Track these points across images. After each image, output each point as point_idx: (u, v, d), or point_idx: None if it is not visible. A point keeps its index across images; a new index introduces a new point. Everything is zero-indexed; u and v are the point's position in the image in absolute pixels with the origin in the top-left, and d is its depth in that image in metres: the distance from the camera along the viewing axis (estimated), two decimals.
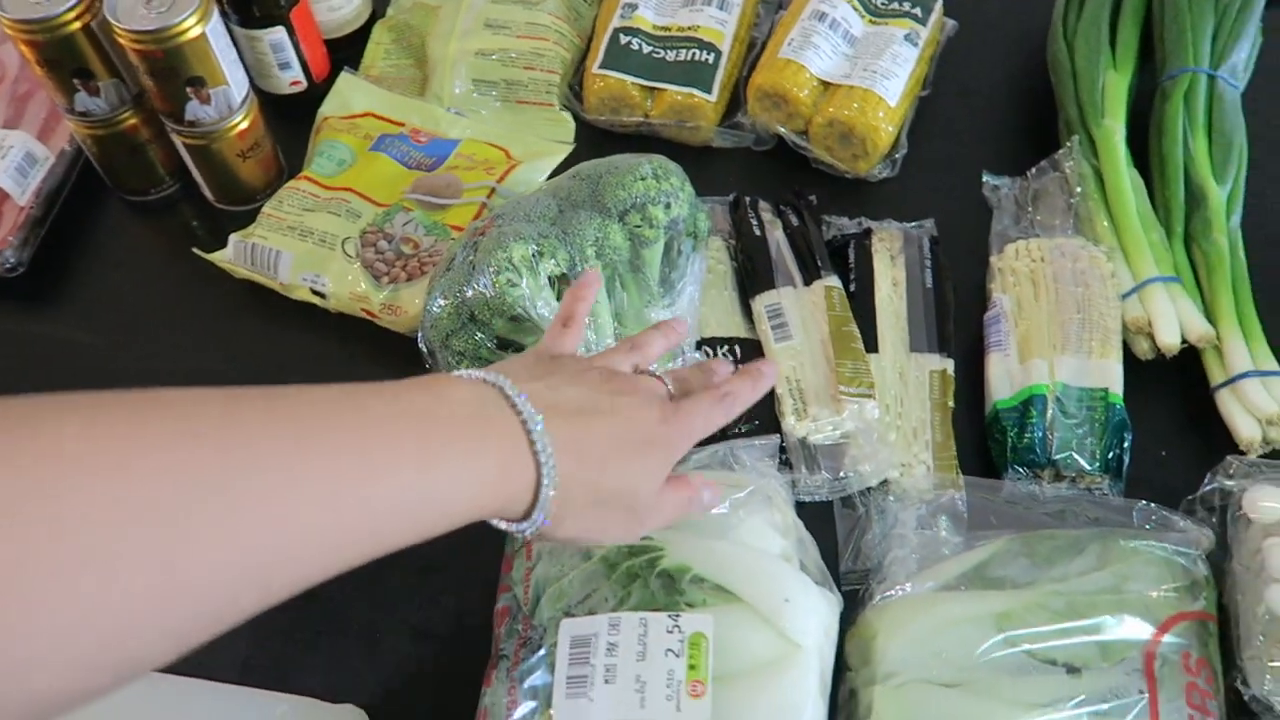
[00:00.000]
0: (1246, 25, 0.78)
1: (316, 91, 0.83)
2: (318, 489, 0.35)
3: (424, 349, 0.66)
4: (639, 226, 0.65)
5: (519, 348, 0.63)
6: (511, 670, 0.53)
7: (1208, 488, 0.60)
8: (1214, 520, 0.60)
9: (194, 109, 0.71)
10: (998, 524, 0.61)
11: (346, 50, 0.87)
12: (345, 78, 0.83)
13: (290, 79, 0.82)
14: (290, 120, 0.84)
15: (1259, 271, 0.72)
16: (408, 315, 0.70)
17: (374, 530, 0.38)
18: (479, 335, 0.62)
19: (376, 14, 0.90)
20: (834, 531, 0.64)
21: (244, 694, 0.58)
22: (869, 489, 0.64)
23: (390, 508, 0.38)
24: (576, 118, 0.83)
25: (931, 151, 0.83)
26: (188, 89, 0.70)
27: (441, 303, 0.62)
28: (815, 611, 0.51)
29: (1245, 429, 0.65)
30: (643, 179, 0.65)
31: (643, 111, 0.81)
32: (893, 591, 0.58)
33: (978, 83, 0.88)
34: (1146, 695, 0.52)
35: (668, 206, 0.65)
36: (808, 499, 0.63)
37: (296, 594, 0.36)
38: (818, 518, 0.64)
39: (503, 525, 0.45)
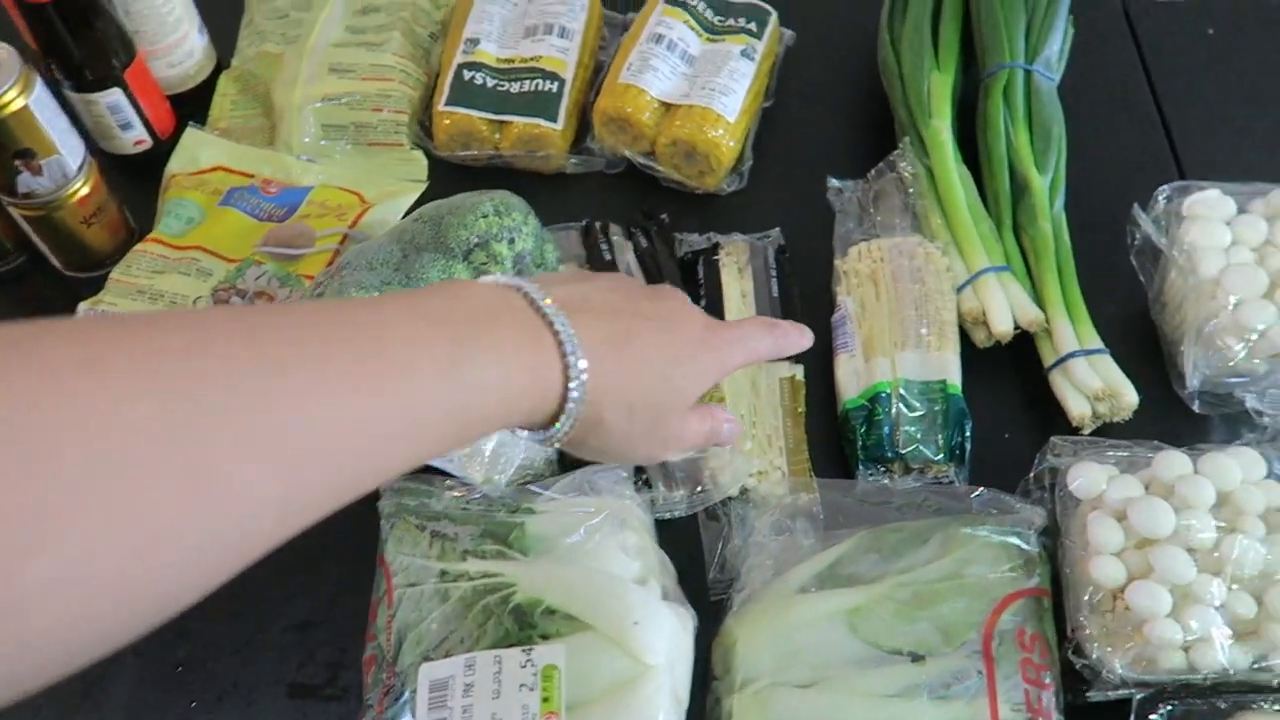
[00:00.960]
0: (1056, 19, 0.82)
1: (163, 148, 0.83)
2: (337, 399, 0.33)
3: None
4: (484, 264, 0.66)
5: None
6: None
7: (1038, 468, 0.64)
8: (1047, 499, 0.63)
9: (26, 181, 0.70)
10: (851, 522, 0.64)
11: (192, 104, 0.87)
12: (191, 133, 0.82)
13: (134, 139, 0.81)
14: (140, 179, 0.82)
15: (1083, 253, 0.75)
16: None
17: (393, 438, 0.36)
18: None
19: (222, 64, 0.89)
20: (700, 543, 0.66)
21: None
22: (729, 498, 0.67)
23: (411, 414, 0.36)
24: (429, 155, 0.84)
25: (780, 160, 0.86)
26: (16, 162, 0.69)
27: None
28: (664, 630, 0.53)
29: (1076, 406, 0.69)
30: (484, 216, 0.66)
31: (492, 145, 0.82)
32: (750, 598, 0.60)
33: (820, 90, 0.91)
34: (984, 674, 0.55)
35: (511, 242, 0.67)
36: (668, 515, 0.65)
37: (323, 516, 0.35)
38: (684, 531, 0.66)
39: (526, 435, 0.44)
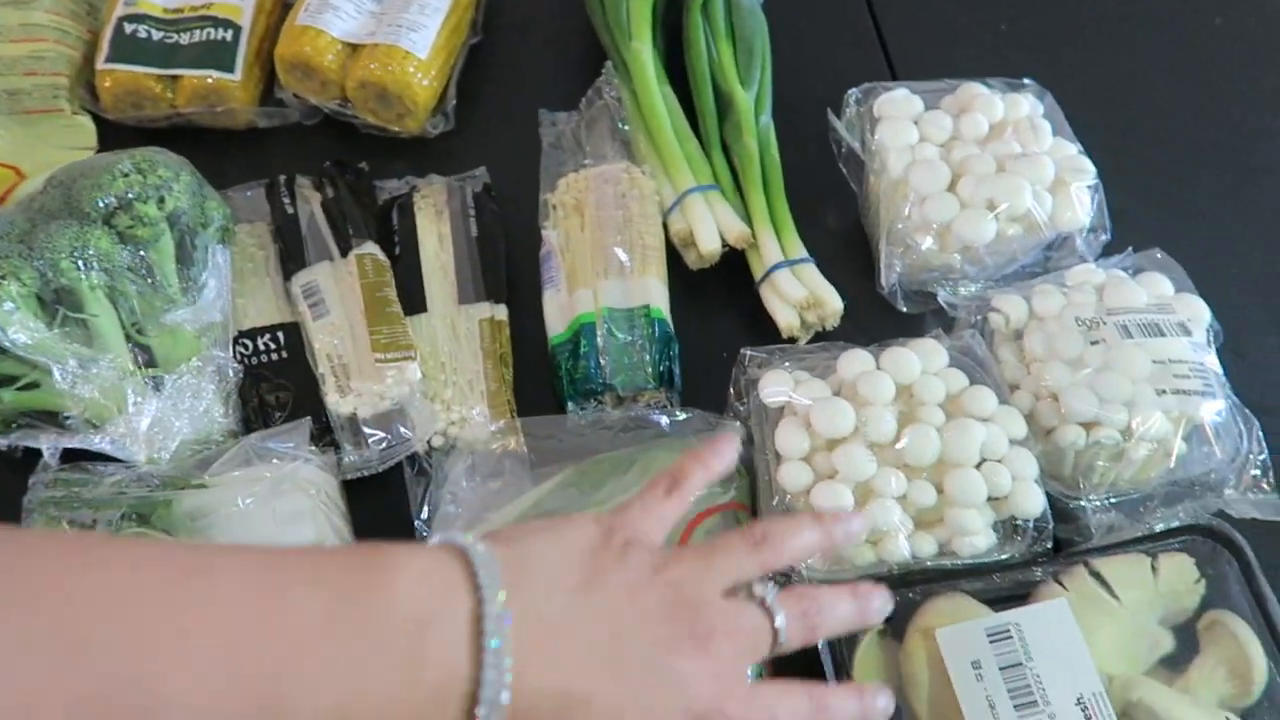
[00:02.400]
0: None
1: None
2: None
3: None
4: (130, 227, 0.60)
5: (10, 380, 0.58)
6: None
7: (735, 383, 0.62)
8: (747, 413, 0.62)
9: None
10: (559, 458, 0.61)
11: None
12: None
13: None
14: None
15: (800, 166, 0.75)
16: None
17: None
18: None
19: None
20: (407, 499, 0.63)
21: None
22: (432, 449, 0.63)
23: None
24: (99, 120, 0.76)
25: (492, 98, 0.82)
26: None
27: None
28: None
29: (784, 317, 0.68)
30: (124, 175, 0.60)
31: (168, 103, 0.75)
32: None
33: (531, 22, 0.87)
34: None
35: (161, 201, 0.61)
36: (361, 474, 0.61)
37: None
38: (392, 486, 0.62)
39: None
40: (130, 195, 0.60)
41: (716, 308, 0.72)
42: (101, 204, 0.59)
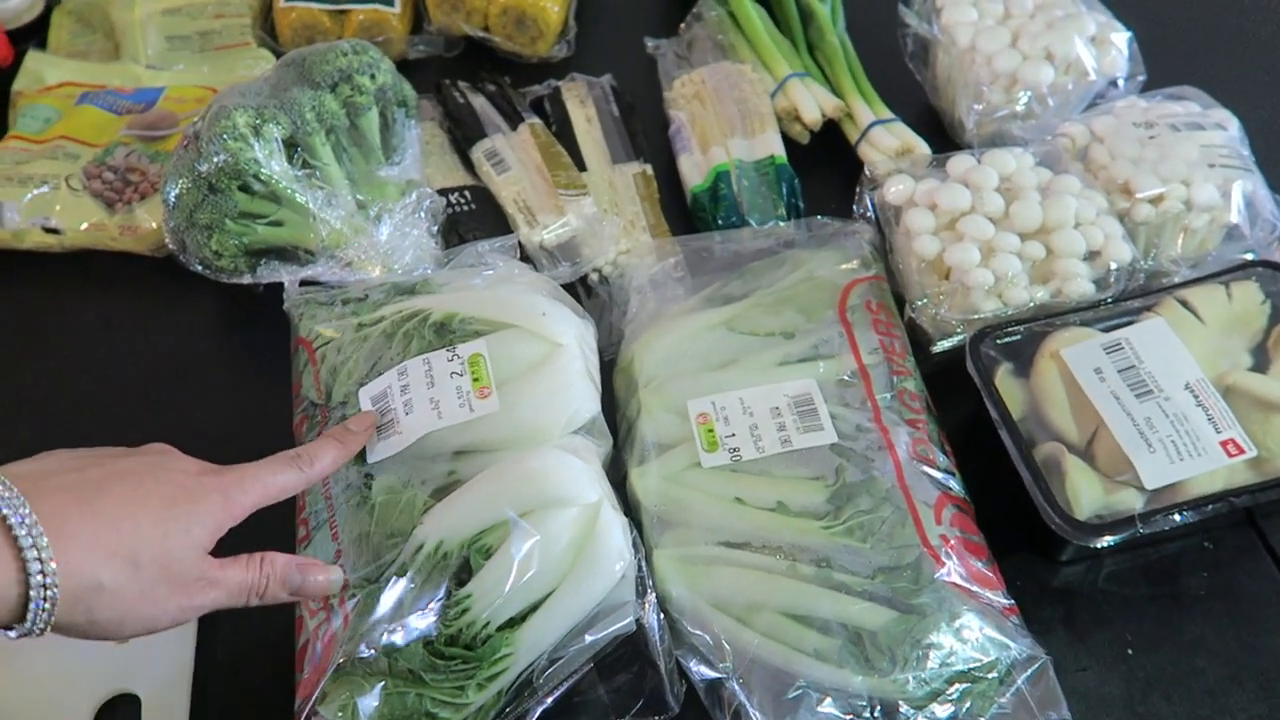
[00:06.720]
0: None
1: (2, 76, 0.84)
2: None
3: (172, 245, 0.70)
4: (351, 96, 0.72)
5: (260, 217, 0.68)
6: None
7: (859, 203, 0.75)
8: (874, 220, 0.74)
9: None
10: (714, 269, 0.73)
11: (25, 42, 0.88)
12: (34, 55, 0.84)
13: None
14: None
15: (866, 62, 0.89)
16: (147, 231, 0.73)
17: None
18: (223, 204, 0.66)
19: (52, 3, 0.91)
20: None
21: None
22: (605, 277, 0.74)
23: None
24: (275, 53, 0.89)
25: (602, 29, 0.96)
26: None
27: (179, 184, 0.67)
28: (569, 320, 0.60)
29: (882, 166, 0.80)
30: (344, 54, 0.72)
31: (335, 35, 0.88)
32: (640, 328, 0.68)
33: None
34: (845, 335, 0.65)
35: (373, 76, 0.73)
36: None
37: None
38: None
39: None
40: (350, 69, 0.72)
41: (820, 175, 0.84)
42: (329, 75, 0.71)
